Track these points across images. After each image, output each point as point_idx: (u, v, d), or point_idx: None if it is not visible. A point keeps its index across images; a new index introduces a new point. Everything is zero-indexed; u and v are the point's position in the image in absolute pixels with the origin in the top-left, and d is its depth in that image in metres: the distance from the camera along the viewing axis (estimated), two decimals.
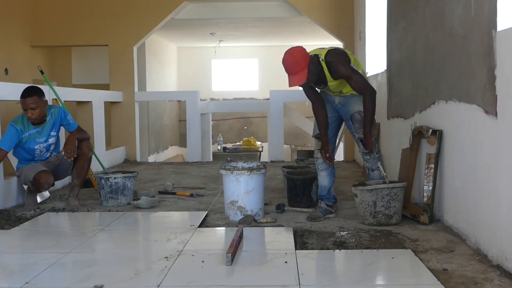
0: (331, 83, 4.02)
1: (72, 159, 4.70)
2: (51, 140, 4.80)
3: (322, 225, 3.99)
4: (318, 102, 4.20)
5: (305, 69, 3.82)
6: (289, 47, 3.92)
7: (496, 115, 3.00)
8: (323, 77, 3.99)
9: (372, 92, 3.99)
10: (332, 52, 4.00)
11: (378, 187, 3.95)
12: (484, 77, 3.17)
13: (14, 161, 5.07)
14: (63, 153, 4.73)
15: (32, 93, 4.61)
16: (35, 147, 4.72)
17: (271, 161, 8.47)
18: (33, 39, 8.79)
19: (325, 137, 4.17)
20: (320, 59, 3.94)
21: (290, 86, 3.89)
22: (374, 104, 4.04)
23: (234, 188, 4.24)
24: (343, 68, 3.93)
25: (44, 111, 4.69)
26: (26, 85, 4.85)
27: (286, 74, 3.87)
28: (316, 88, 4.22)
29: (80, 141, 4.84)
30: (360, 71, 4.06)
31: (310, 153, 13.55)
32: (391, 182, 4.15)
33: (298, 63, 3.82)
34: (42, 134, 4.72)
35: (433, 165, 4.01)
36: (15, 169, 4.87)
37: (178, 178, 6.68)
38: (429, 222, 3.98)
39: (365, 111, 3.99)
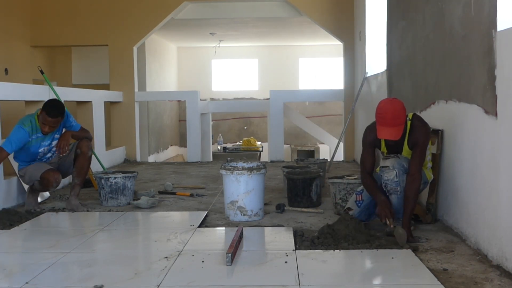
0: (405, 153, 3.74)
1: (64, 154, 4.69)
2: (54, 143, 4.79)
3: (322, 225, 3.99)
4: (370, 173, 3.83)
5: (403, 125, 3.56)
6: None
7: (496, 115, 3.00)
8: (401, 145, 3.73)
9: (420, 183, 3.66)
10: (419, 117, 3.76)
11: (336, 182, 4.44)
12: (484, 77, 3.17)
13: (13, 161, 5.07)
14: (55, 149, 4.71)
15: (58, 114, 4.55)
16: (40, 150, 4.71)
17: (271, 161, 8.47)
18: (33, 39, 8.78)
19: (382, 196, 3.71)
20: (407, 119, 3.68)
21: (380, 137, 3.60)
22: (418, 194, 3.71)
23: (234, 188, 4.24)
24: (424, 132, 3.65)
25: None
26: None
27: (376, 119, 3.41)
28: (384, 155, 3.87)
29: (80, 138, 4.83)
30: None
31: (310, 153, 13.63)
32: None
33: (399, 116, 3.54)
34: (47, 138, 4.71)
35: (436, 165, 4.01)
36: (18, 169, 4.86)
37: (178, 178, 6.68)
38: (432, 221, 3.99)
39: (409, 199, 3.60)
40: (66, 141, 4.70)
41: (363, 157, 3.89)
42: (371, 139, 3.84)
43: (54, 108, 4.57)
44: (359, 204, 3.88)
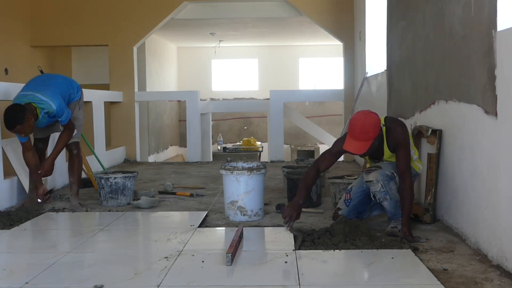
0: (386, 156, 3.76)
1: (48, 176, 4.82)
2: (53, 123, 4.77)
3: (322, 225, 3.99)
4: (318, 171, 3.85)
5: (371, 141, 3.54)
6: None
7: (496, 115, 3.00)
8: (381, 150, 3.73)
9: (412, 182, 3.66)
10: (392, 118, 3.81)
11: (336, 182, 4.47)
12: (484, 77, 3.17)
13: (13, 161, 5.07)
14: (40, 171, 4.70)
15: (14, 124, 4.33)
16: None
17: (271, 161, 8.47)
18: (33, 39, 8.78)
19: (298, 197, 3.80)
20: (381, 124, 3.64)
21: (345, 148, 3.59)
22: (413, 192, 3.67)
23: (234, 188, 4.24)
24: (400, 131, 3.66)
25: (33, 124, 4.47)
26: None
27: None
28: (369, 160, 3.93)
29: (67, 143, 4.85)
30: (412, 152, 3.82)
31: (310, 153, 13.62)
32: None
33: (367, 132, 3.51)
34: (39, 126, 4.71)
35: (433, 165, 4.02)
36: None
37: (178, 178, 6.68)
38: (431, 221, 3.99)
39: (404, 199, 3.59)
40: (50, 165, 4.69)
41: (323, 156, 3.87)
42: (337, 149, 3.81)
43: (8, 120, 4.35)
44: (347, 203, 3.93)
